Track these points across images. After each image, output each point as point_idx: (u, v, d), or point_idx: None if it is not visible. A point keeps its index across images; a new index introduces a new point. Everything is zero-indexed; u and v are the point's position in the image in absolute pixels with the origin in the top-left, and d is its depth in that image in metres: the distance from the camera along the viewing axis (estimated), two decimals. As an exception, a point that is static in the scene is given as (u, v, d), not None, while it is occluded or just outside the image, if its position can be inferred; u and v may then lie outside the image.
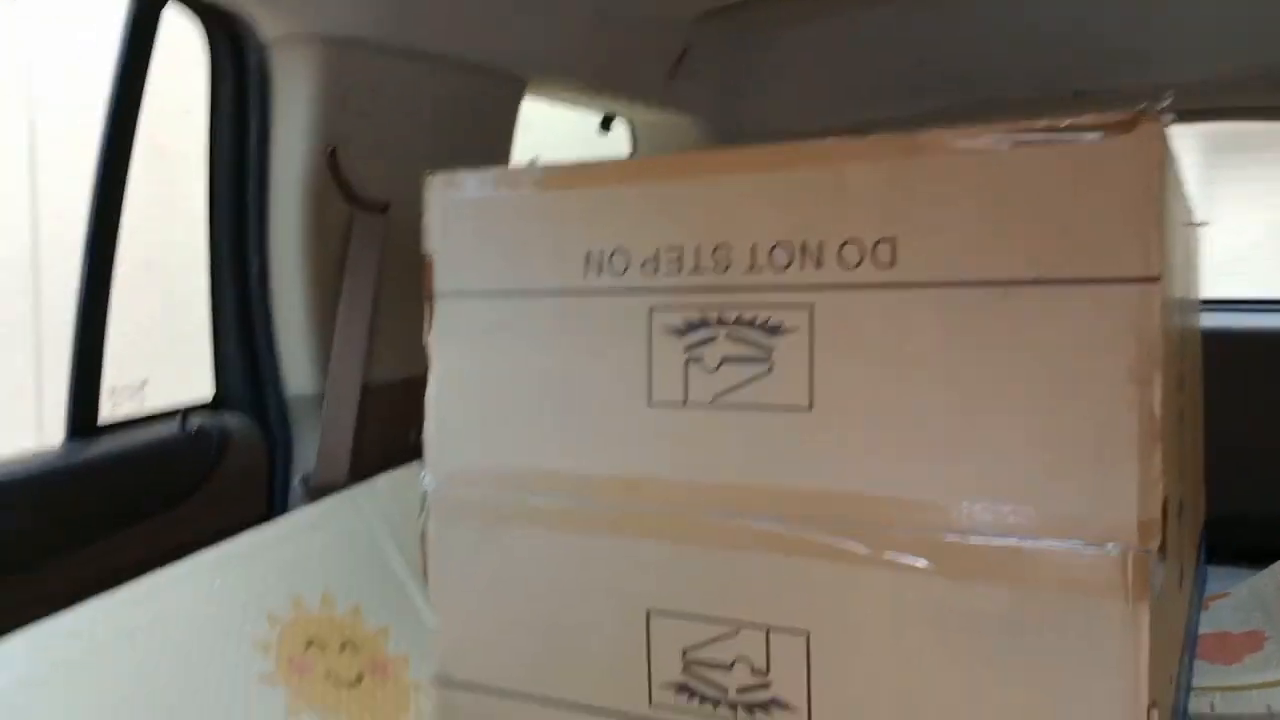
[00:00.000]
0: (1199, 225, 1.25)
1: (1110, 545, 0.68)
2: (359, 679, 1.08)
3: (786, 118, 1.86)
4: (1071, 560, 0.69)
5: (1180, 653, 0.92)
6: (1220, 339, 1.75)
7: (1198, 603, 1.26)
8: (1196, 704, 1.06)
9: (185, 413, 1.31)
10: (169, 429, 1.29)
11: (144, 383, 1.36)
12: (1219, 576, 1.39)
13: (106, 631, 0.95)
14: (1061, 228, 0.70)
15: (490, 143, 1.56)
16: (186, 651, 0.98)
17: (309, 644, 1.07)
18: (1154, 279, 0.67)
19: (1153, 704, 0.67)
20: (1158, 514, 0.67)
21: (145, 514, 1.22)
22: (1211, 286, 1.36)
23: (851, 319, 0.77)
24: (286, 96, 1.32)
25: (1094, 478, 0.68)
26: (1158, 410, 0.67)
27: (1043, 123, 0.70)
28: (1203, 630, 1.23)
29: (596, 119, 1.86)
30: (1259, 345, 2.01)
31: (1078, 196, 0.69)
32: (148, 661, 0.95)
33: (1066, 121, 0.69)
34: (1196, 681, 1.10)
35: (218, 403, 1.38)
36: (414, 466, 0.98)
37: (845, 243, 0.77)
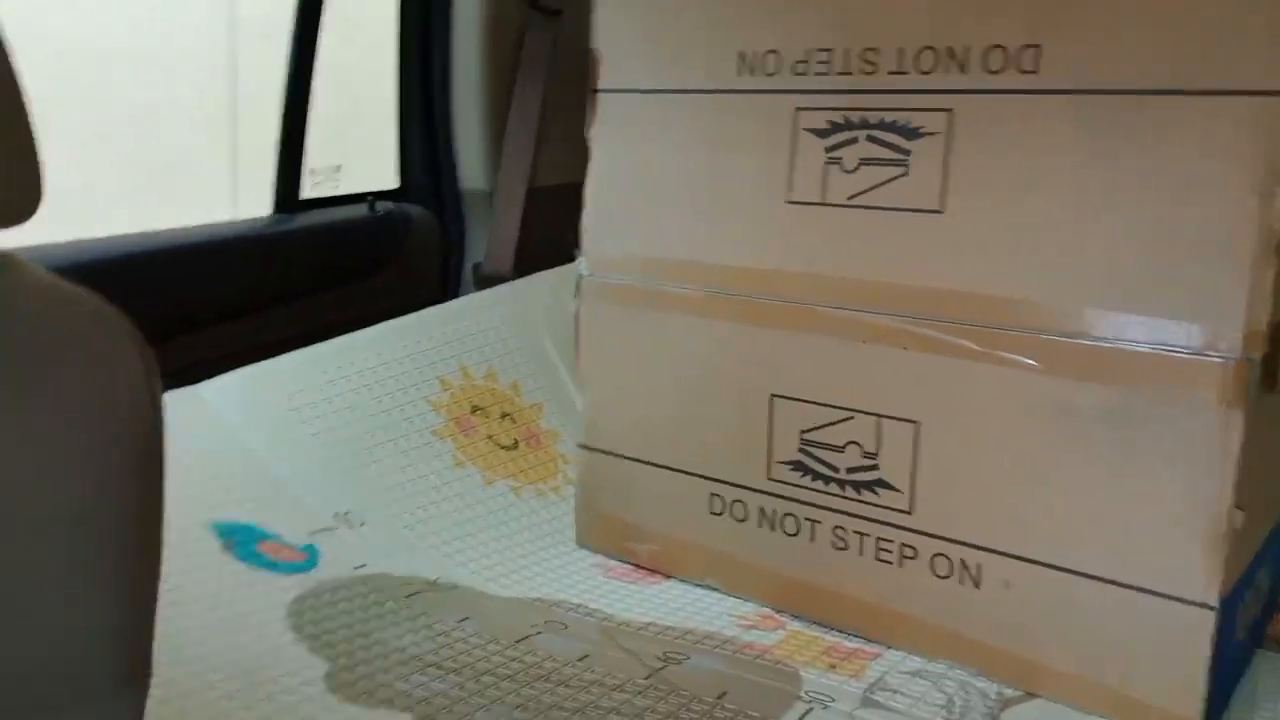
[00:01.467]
0: None
1: (1213, 351, 0.70)
2: (515, 444, 1.20)
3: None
4: (1174, 363, 0.71)
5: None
6: None
7: None
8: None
9: (374, 198, 1.43)
10: (360, 210, 1.42)
11: (338, 168, 1.48)
12: None
13: (313, 377, 1.10)
14: (1203, 39, 0.69)
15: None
16: (375, 401, 1.12)
17: (474, 409, 1.20)
18: (1287, 92, 0.66)
19: (1237, 506, 0.70)
20: (1263, 327, 0.68)
21: (338, 283, 1.37)
22: None
23: (989, 123, 0.78)
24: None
25: (1205, 286, 0.70)
26: (1277, 225, 0.67)
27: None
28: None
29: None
30: None
31: (1221, 7, 0.68)
32: (344, 406, 1.10)
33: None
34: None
35: (401, 193, 1.50)
36: (571, 266, 1.06)
37: (991, 47, 0.78)
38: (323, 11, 1.33)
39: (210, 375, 1.04)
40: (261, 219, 1.34)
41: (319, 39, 1.33)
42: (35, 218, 0.39)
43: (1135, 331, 0.73)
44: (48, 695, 0.38)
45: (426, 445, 1.12)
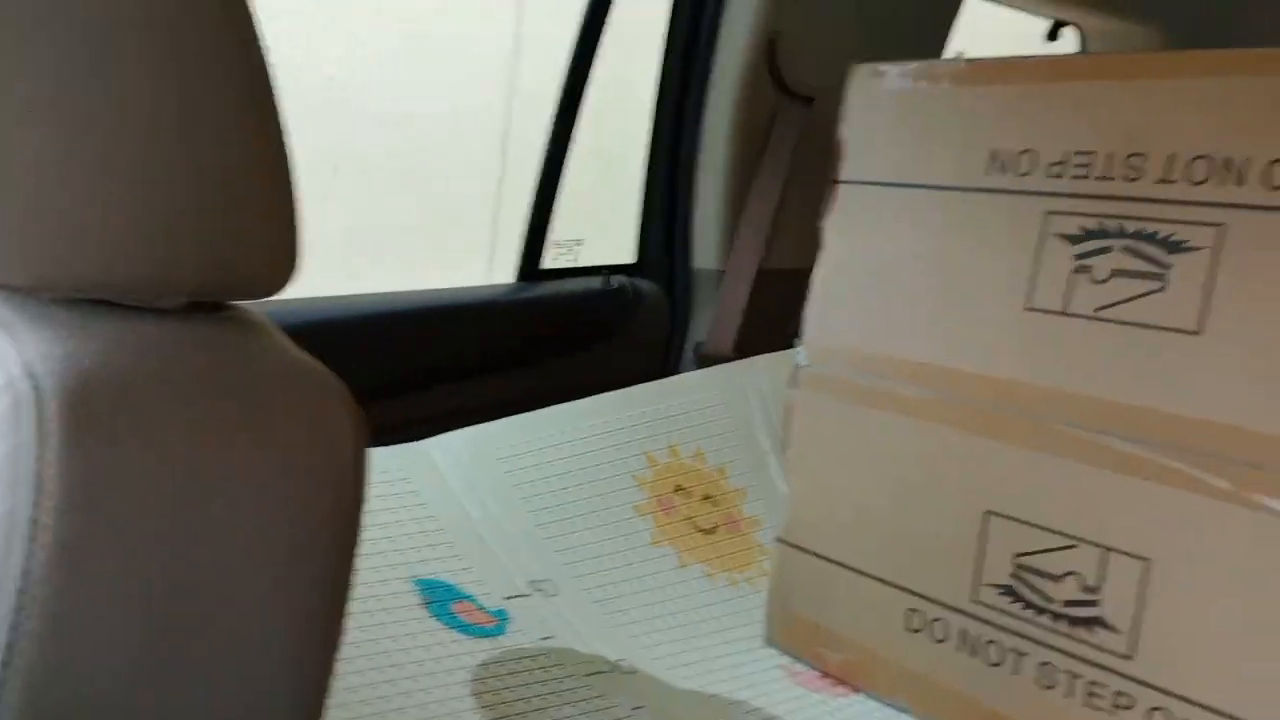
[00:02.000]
0: None
1: None
2: (714, 528, 1.18)
3: (1272, 40, 1.62)
4: None
5: None
6: None
7: None
8: None
9: (609, 271, 1.47)
10: (594, 283, 1.47)
11: (580, 241, 1.53)
12: None
13: (530, 442, 1.13)
14: None
15: (925, 43, 1.54)
16: (582, 471, 1.14)
17: (677, 488, 1.19)
18: None
19: None
20: None
21: (568, 351, 1.41)
22: None
23: (1263, 243, 0.71)
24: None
25: None
26: None
27: None
28: None
29: (1044, 25, 1.76)
30: None
31: None
32: (552, 473, 1.12)
33: None
34: None
35: (635, 268, 1.53)
36: (790, 353, 1.04)
37: (1273, 161, 0.71)
38: (586, 89, 1.40)
39: (442, 430, 1.09)
40: (503, 285, 1.40)
41: (579, 115, 1.39)
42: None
43: None
44: None
45: (627, 520, 1.12)
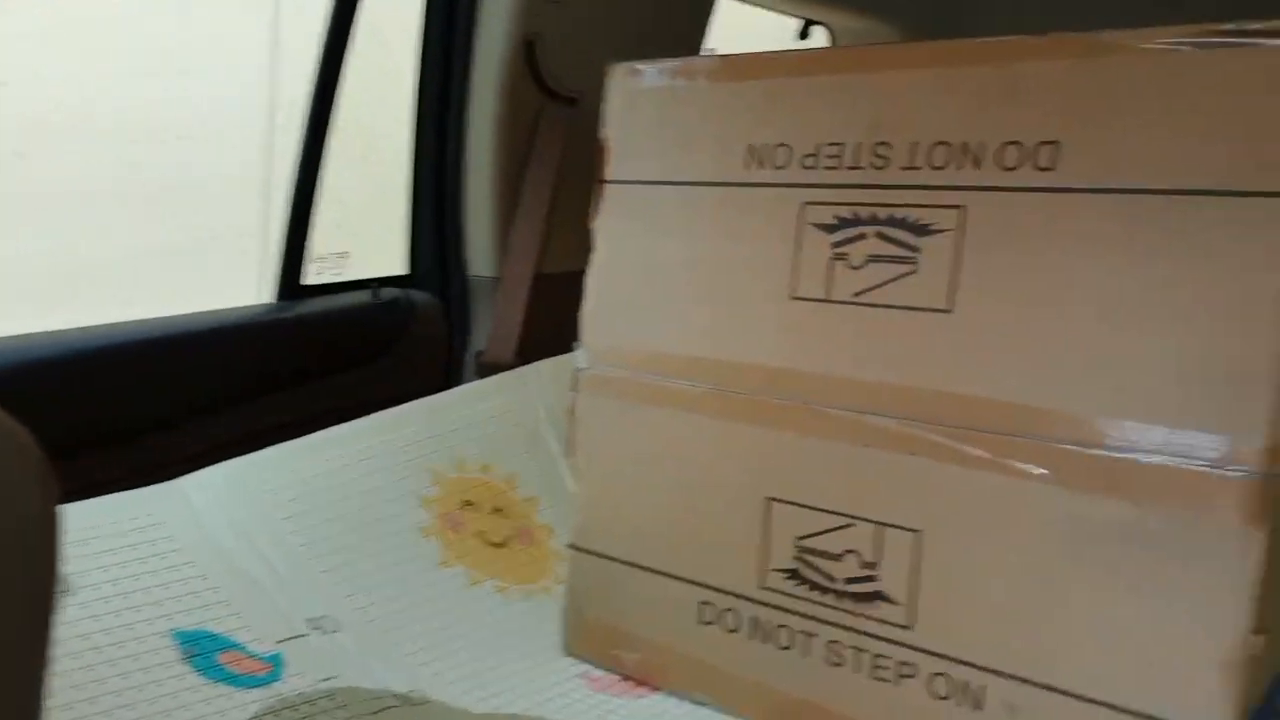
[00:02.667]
0: None
1: (1233, 467, 0.65)
2: (506, 542, 1.15)
3: (1003, 29, 1.74)
4: (1192, 479, 0.66)
5: None
6: None
7: None
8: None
9: (379, 284, 1.41)
10: (364, 297, 1.40)
11: (345, 254, 1.47)
12: None
13: (299, 470, 1.06)
14: (1235, 136, 0.65)
15: (683, 42, 1.57)
16: (361, 495, 1.08)
17: (465, 503, 1.15)
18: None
19: (1258, 630, 0.64)
20: (1290, 441, 0.63)
21: (337, 369, 1.34)
22: None
23: (1003, 223, 0.75)
24: (492, -11, 1.37)
25: (1227, 397, 0.65)
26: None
27: (1230, 25, 0.66)
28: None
29: (795, 25, 1.84)
30: None
31: (1257, 104, 0.65)
32: (329, 500, 1.05)
33: (1258, 25, 0.65)
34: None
35: (407, 279, 1.48)
36: (573, 356, 1.03)
37: (1006, 144, 0.75)
38: (336, 94, 1.33)
39: (198, 467, 1.00)
40: (260, 306, 1.32)
41: (331, 120, 1.33)
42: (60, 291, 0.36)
43: (1154, 443, 0.68)
44: None
45: (412, 544, 1.07)
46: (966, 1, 1.66)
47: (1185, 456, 0.67)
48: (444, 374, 1.46)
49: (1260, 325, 0.64)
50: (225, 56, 2.32)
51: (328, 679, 0.87)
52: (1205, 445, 0.66)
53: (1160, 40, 0.69)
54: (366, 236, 1.54)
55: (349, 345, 1.37)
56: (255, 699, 0.82)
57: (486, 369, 1.39)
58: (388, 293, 1.43)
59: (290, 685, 0.85)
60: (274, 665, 0.86)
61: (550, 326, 1.28)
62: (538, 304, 1.42)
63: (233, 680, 0.83)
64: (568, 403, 1.03)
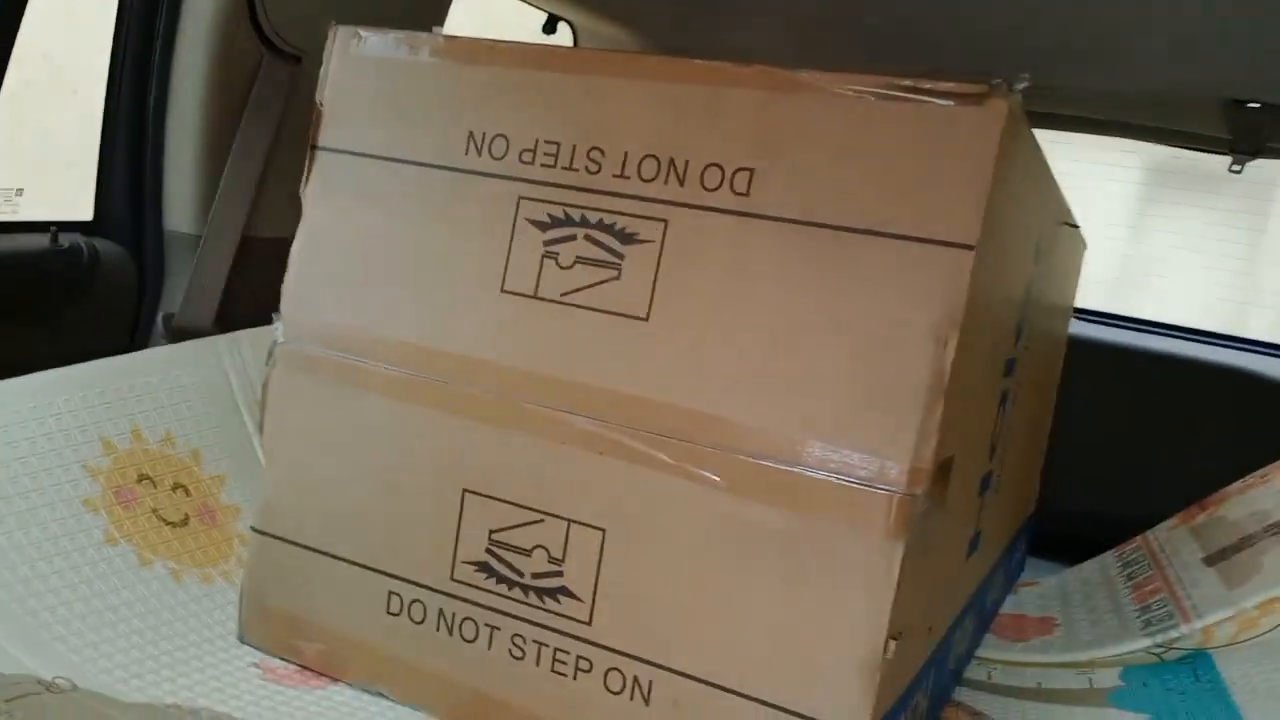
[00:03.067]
0: (1075, 229, 1.29)
1: (881, 485, 0.72)
2: (185, 520, 1.08)
3: (737, 42, 1.81)
4: (845, 493, 0.73)
5: (957, 613, 0.97)
6: (1095, 349, 1.81)
7: (1005, 584, 1.32)
8: (975, 671, 1.12)
9: (58, 228, 1.28)
10: (41, 240, 1.26)
11: (19, 191, 1.31)
12: (1039, 569, 1.46)
13: None
14: (902, 184, 0.72)
15: (422, 16, 1.53)
16: (18, 462, 0.97)
17: (140, 478, 1.07)
18: (968, 247, 0.70)
19: (895, 636, 0.72)
20: (929, 465, 0.71)
21: (7, 320, 1.20)
22: (1119, 300, 1.41)
23: (700, 240, 0.78)
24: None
25: (881, 421, 0.72)
26: (947, 369, 0.70)
27: (909, 81, 0.72)
28: (1004, 611, 1.30)
29: (541, 18, 1.83)
30: (1137, 360, 2.03)
31: (921, 157, 0.71)
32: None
33: (929, 84, 0.71)
34: (982, 653, 1.16)
35: (94, 227, 1.35)
36: (274, 327, 0.98)
37: (709, 165, 0.78)
38: (21, 11, 1.19)
39: None
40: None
41: (13, 40, 1.18)
42: None
43: (814, 457, 0.74)
44: None
45: (74, 517, 0.98)
46: (710, 19, 1.71)
47: (842, 474, 0.73)
48: (129, 336, 1.34)
49: (911, 356, 0.71)
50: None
51: None
52: (860, 463, 0.73)
53: (850, 86, 0.74)
54: (46, 174, 1.38)
55: (19, 294, 1.23)
56: None
57: (178, 334, 1.29)
58: (69, 238, 1.29)
59: None
60: None
61: (254, 295, 1.20)
62: (242, 269, 1.34)
63: None
64: (263, 376, 0.98)
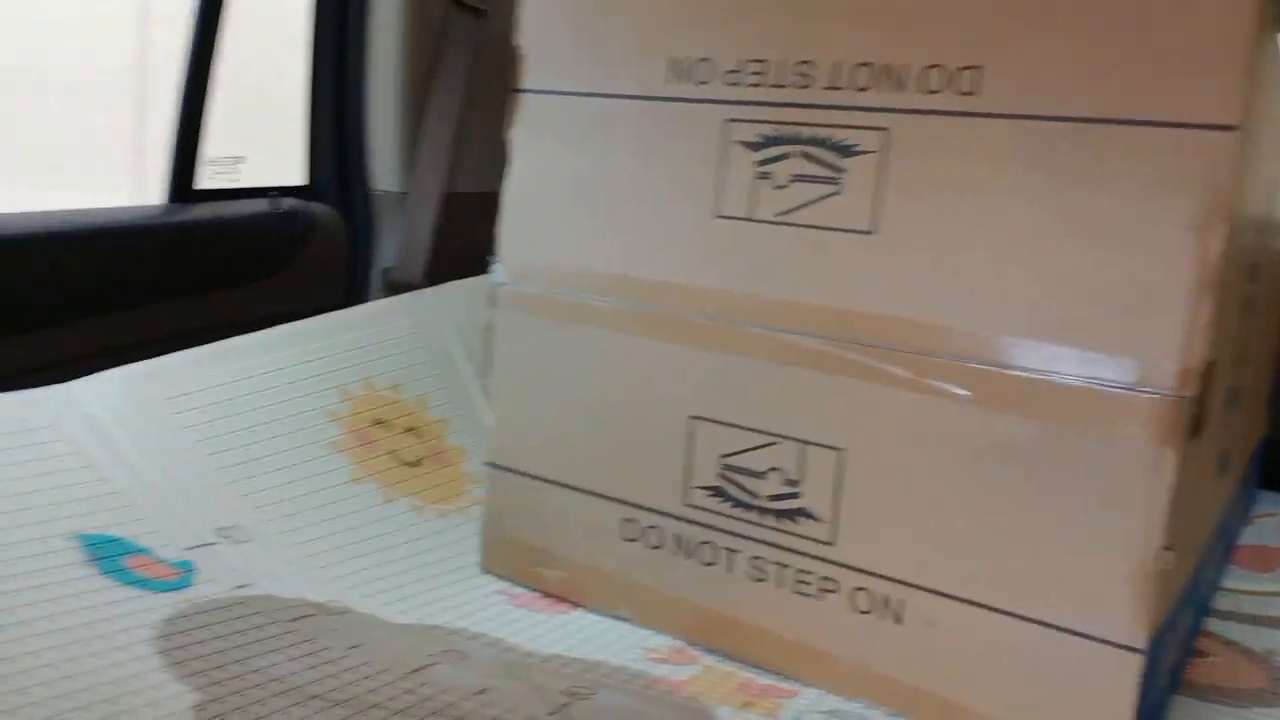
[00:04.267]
0: None
1: (1146, 387, 0.68)
2: (419, 461, 1.14)
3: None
4: (1106, 399, 0.69)
5: (1209, 537, 0.92)
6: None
7: (1243, 514, 1.24)
8: (1224, 602, 1.06)
9: (277, 193, 1.35)
10: (260, 205, 1.34)
11: (241, 159, 1.40)
12: (1271, 500, 1.36)
13: (201, 379, 1.02)
14: (1150, 68, 0.67)
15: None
16: (267, 409, 1.05)
17: (376, 422, 1.14)
18: (1230, 128, 0.65)
19: (1167, 547, 0.68)
20: (1198, 364, 0.67)
21: (234, 282, 1.29)
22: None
23: (925, 145, 0.76)
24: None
25: (1140, 321, 0.68)
26: (1213, 261, 0.65)
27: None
28: (1244, 542, 1.22)
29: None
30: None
31: (1169, 37, 0.66)
32: (232, 413, 1.02)
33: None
34: (1229, 584, 1.10)
35: (307, 190, 1.42)
36: (486, 278, 1.01)
37: (929, 66, 0.75)
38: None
39: (88, 372, 0.96)
40: (152, 207, 1.25)
41: (222, 18, 1.25)
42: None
43: (1068, 364, 0.71)
44: None
45: (322, 458, 1.05)
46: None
47: (1099, 379, 0.70)
48: (346, 292, 1.41)
49: (1169, 250, 0.67)
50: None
51: (241, 586, 0.85)
52: (1121, 368, 0.69)
53: (1080, -32, 0.70)
54: (262, 143, 1.46)
55: (247, 255, 1.32)
56: (167, 603, 0.80)
57: (395, 288, 1.36)
58: (286, 202, 1.37)
59: (202, 591, 0.83)
60: (184, 571, 0.85)
61: (460, 248, 1.25)
62: (447, 224, 1.39)
63: (142, 584, 0.81)
64: (484, 319, 1.01)
